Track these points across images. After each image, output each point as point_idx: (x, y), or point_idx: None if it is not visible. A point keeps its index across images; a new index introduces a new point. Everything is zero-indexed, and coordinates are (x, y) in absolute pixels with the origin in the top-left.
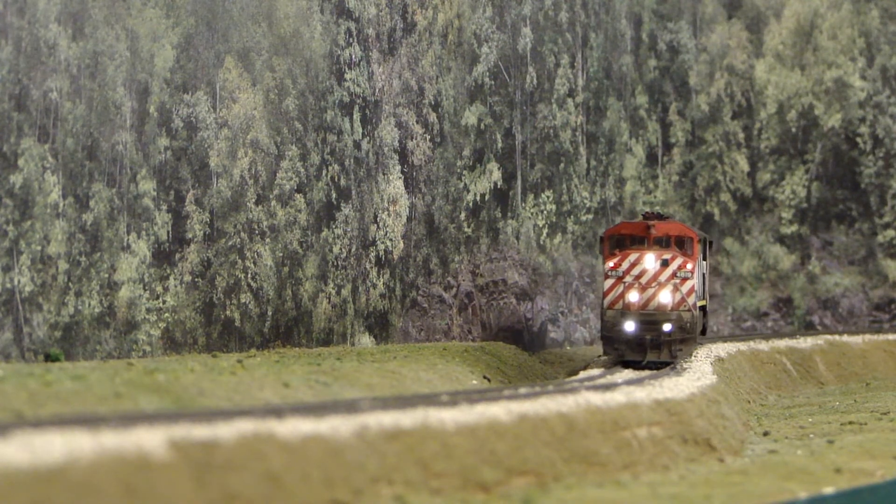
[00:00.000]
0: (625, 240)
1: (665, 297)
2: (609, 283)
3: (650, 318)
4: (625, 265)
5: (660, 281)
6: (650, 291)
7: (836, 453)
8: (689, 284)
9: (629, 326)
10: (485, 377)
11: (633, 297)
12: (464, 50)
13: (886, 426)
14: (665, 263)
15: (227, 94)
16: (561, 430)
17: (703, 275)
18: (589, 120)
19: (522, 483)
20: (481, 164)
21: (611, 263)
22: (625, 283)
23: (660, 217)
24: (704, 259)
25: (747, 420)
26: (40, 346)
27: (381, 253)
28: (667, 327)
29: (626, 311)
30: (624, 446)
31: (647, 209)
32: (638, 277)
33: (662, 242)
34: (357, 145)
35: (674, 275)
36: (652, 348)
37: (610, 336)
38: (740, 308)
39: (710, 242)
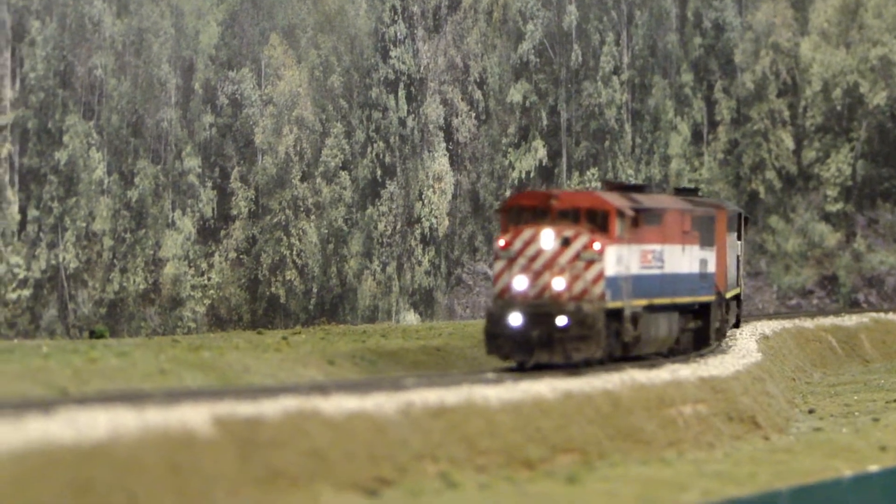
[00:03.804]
0: (525, 212)
1: (559, 283)
2: (499, 266)
3: (540, 309)
4: (517, 244)
5: (559, 264)
6: (544, 278)
7: (882, 431)
8: (595, 269)
9: (514, 320)
10: None
11: (521, 283)
12: (509, 27)
13: None
14: (566, 242)
15: (272, 71)
16: (606, 407)
17: (738, 256)
18: (634, 97)
19: (567, 460)
20: (526, 142)
21: (501, 242)
22: (517, 266)
23: (633, 188)
24: (739, 238)
25: (792, 398)
26: (85, 322)
27: (426, 230)
28: (561, 321)
29: (513, 301)
30: (669, 424)
31: (610, 178)
32: (532, 259)
33: (569, 216)
34: (402, 122)
35: (576, 256)
36: (541, 347)
37: (494, 332)
38: (785, 286)
39: (746, 219)
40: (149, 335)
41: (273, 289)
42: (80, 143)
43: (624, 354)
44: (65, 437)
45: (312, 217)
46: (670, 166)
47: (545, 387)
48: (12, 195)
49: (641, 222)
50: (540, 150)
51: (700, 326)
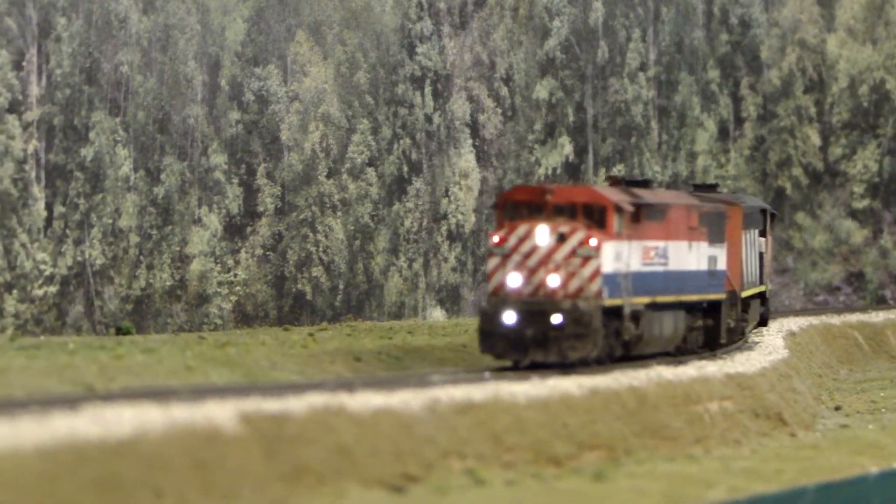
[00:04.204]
0: (520, 208)
1: (554, 281)
2: (493, 262)
3: (534, 307)
4: (512, 240)
5: (554, 261)
6: (539, 275)
7: None
8: (592, 266)
9: (508, 318)
10: None
11: (515, 280)
12: (535, 24)
13: None
14: (562, 238)
15: (299, 68)
16: (632, 403)
17: (761, 254)
18: (660, 94)
19: (594, 457)
20: (552, 138)
21: (496, 238)
22: (511, 263)
23: (637, 183)
24: (762, 235)
25: (819, 394)
26: (111, 319)
27: (453, 226)
28: (556, 319)
29: (507, 298)
30: (695, 420)
31: (616, 173)
32: (527, 256)
33: (564, 211)
34: (428, 119)
35: (572, 253)
36: (535, 346)
37: (487, 331)
38: (812, 282)
39: (773, 215)
40: (175, 332)
41: (299, 285)
42: (106, 139)
43: (626, 354)
44: (91, 433)
45: (339, 213)
46: (697, 163)
47: (572, 383)
48: (38, 192)
49: (643, 218)
50: (566, 147)
51: (710, 325)
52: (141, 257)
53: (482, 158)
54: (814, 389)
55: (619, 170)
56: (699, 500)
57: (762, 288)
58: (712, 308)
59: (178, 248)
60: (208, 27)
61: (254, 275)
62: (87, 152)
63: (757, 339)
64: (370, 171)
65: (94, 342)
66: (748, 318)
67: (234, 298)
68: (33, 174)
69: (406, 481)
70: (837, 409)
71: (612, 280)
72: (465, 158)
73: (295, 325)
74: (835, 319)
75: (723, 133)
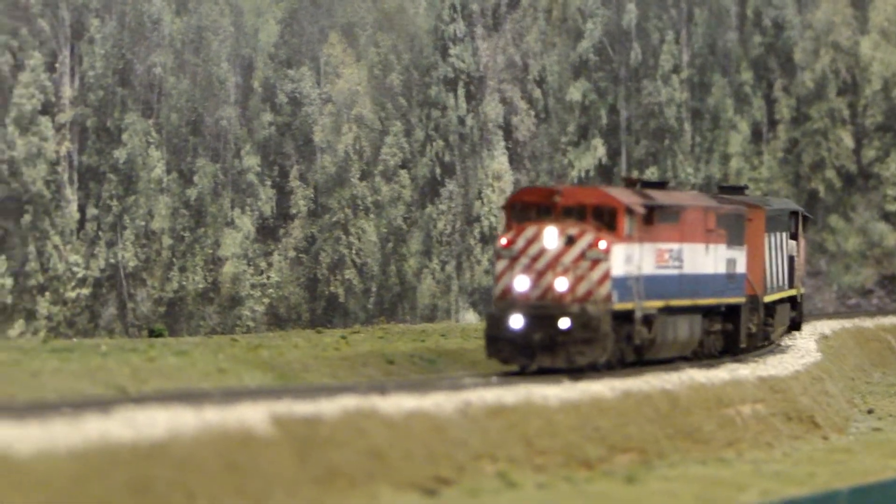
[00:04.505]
0: (529, 209)
1: (562, 284)
2: (501, 265)
3: (542, 311)
4: (520, 242)
5: (562, 264)
6: (547, 278)
7: None
8: (601, 269)
9: (515, 322)
10: None
11: (522, 284)
12: (568, 26)
13: None
14: (570, 241)
15: (332, 70)
16: (664, 406)
17: (791, 258)
18: (693, 96)
19: (626, 460)
20: (586, 140)
21: (503, 240)
22: (519, 266)
23: (653, 185)
24: (793, 238)
25: (851, 397)
26: (144, 321)
27: (486, 229)
28: (564, 324)
29: (514, 302)
30: (727, 423)
31: (634, 174)
32: (535, 259)
33: (573, 213)
34: (461, 121)
35: (581, 256)
36: (543, 351)
37: (494, 335)
38: (845, 285)
39: (805, 218)
40: (208, 334)
41: (332, 288)
42: (139, 141)
43: (638, 358)
44: (123, 436)
45: (371, 216)
46: (730, 165)
47: (604, 386)
48: (71, 193)
49: (656, 220)
50: (599, 149)
51: (729, 329)
52: (174, 259)
53: (515, 160)
54: (846, 393)
55: (651, 172)
56: (731, 503)
57: (792, 292)
58: (732, 312)
59: (210, 251)
60: (241, 29)
61: (286, 277)
62: (119, 154)
63: (789, 343)
64: (403, 174)
65: (127, 344)
66: (774, 322)
67: (266, 301)
68: (66, 176)
69: (438, 484)
70: (870, 412)
71: (622, 283)
72: (498, 161)
73: (327, 328)
74: (868, 322)
75: (756, 135)
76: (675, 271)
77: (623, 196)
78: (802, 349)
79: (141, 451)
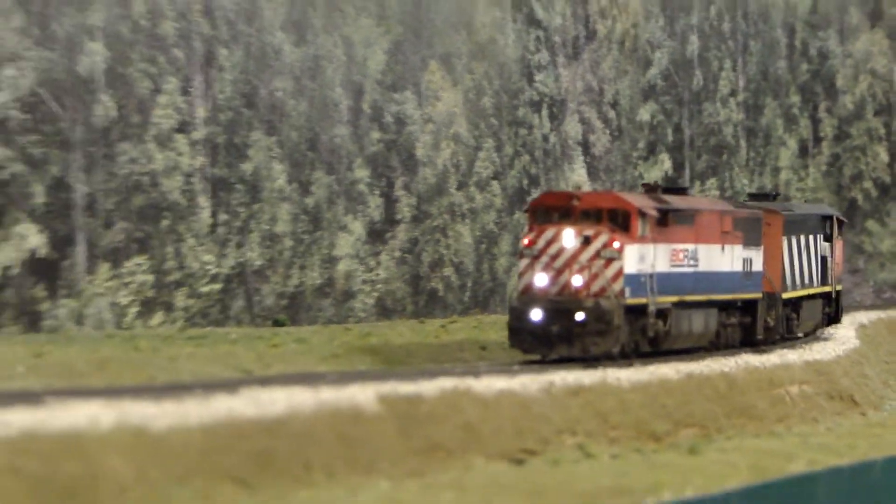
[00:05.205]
0: (550, 212)
1: (578, 280)
2: (523, 263)
3: (560, 305)
4: (540, 243)
5: (579, 262)
6: (565, 275)
7: None
8: (615, 267)
9: (535, 315)
10: None
11: (542, 280)
12: (638, 55)
13: None
14: (587, 241)
15: (432, 94)
16: (723, 387)
17: (825, 258)
18: (748, 116)
19: (689, 434)
20: (654, 155)
21: (525, 241)
22: (540, 264)
23: (672, 190)
24: (828, 240)
25: (886, 379)
26: (268, 312)
27: None
28: (579, 317)
29: (534, 297)
30: (778, 402)
31: (657, 181)
32: (554, 258)
33: (590, 216)
34: (545, 138)
35: (596, 255)
36: (560, 342)
37: (516, 327)
38: (881, 281)
39: (841, 222)
40: (324, 323)
41: (433, 283)
42: (263, 156)
43: (654, 349)
44: (248, 412)
45: (467, 221)
46: (780, 177)
47: (669, 369)
48: (204, 201)
49: (671, 222)
50: (666, 163)
51: (748, 322)
52: (294, 259)
53: (592, 173)
54: (882, 375)
55: (711, 183)
56: (781, 471)
57: (826, 288)
58: (749, 307)
59: (326, 251)
60: (352, 58)
61: (393, 274)
62: (246, 167)
63: (831, 332)
64: (494, 184)
65: (253, 333)
66: (800, 317)
67: (375, 295)
68: (199, 186)
69: (525, 454)
70: None
71: (635, 280)
72: (578, 173)
73: (429, 319)
74: None
75: (803, 151)
76: (689, 269)
77: (637, 200)
78: (843, 337)
79: (263, 426)
